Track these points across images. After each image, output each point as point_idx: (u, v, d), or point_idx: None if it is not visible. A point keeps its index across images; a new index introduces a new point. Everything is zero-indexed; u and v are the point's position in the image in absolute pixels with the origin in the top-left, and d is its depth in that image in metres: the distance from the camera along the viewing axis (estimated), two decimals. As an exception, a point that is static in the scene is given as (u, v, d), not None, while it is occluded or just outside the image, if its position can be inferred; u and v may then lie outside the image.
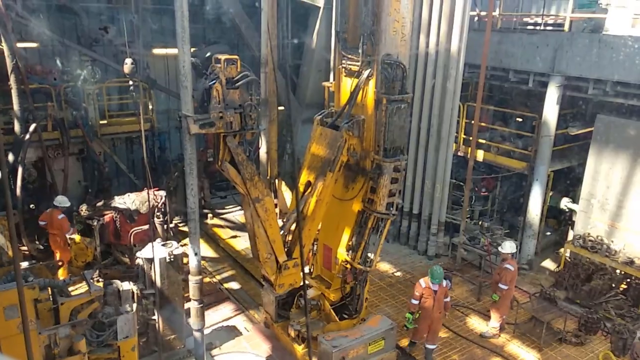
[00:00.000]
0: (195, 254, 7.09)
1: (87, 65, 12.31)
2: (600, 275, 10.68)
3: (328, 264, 8.90)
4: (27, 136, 11.10)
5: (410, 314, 8.64)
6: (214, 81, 6.65)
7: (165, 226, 12.24)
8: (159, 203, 11.87)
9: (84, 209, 11.31)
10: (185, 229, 13.49)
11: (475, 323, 10.09)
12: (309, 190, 7.99)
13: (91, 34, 13.41)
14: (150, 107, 13.38)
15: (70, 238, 10.65)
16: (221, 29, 15.47)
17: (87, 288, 6.95)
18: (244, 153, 7.08)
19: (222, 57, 6.76)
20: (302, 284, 7.71)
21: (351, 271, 8.44)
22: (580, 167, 12.31)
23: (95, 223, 11.03)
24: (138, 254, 8.62)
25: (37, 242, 11.69)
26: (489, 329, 9.74)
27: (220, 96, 6.65)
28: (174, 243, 8.64)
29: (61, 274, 9.95)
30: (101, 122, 12.81)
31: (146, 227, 11.44)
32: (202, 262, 11.89)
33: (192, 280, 7.23)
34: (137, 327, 7.23)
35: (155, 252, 8.10)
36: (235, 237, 13.43)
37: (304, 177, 8.22)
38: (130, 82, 11.18)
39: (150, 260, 8.25)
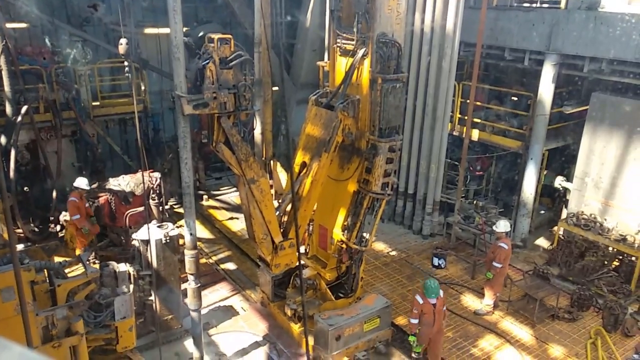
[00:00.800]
0: (190, 229, 7.08)
1: (78, 45, 12.12)
2: (593, 252, 10.81)
3: (324, 243, 8.94)
4: (19, 118, 10.99)
5: (414, 336, 8.01)
6: (207, 61, 6.55)
7: (160, 208, 12.23)
8: (154, 185, 11.82)
9: (78, 191, 11.27)
10: (181, 210, 13.56)
11: (470, 301, 10.22)
12: (304, 171, 7.98)
13: (81, 13, 13.18)
14: (143, 88, 13.23)
15: (70, 222, 10.55)
16: (213, 7, 15.25)
17: (84, 270, 6.97)
18: (239, 134, 7.02)
19: (215, 36, 6.65)
20: (298, 264, 7.76)
21: (347, 251, 8.49)
22: (575, 145, 12.34)
23: (90, 205, 10.99)
24: (134, 236, 8.63)
25: (32, 224, 11.68)
26: (482, 307, 9.86)
27: (213, 76, 6.57)
28: (170, 224, 8.64)
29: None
30: (94, 103, 12.70)
31: (141, 209, 11.41)
32: (198, 243, 11.98)
33: (188, 254, 7.16)
34: (134, 307, 7.28)
35: (151, 233, 8.11)
36: (231, 218, 13.44)
37: (299, 157, 8.18)
38: (126, 63, 11.04)
39: (146, 242, 8.27)
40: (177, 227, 12.69)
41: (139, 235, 8.44)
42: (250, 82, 6.91)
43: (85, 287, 6.94)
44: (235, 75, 6.73)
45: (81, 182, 10.43)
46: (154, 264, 8.29)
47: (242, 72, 6.82)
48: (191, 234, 6.94)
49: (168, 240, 8.37)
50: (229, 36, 6.77)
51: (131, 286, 7.54)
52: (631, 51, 9.77)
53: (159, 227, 8.52)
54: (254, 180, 7.30)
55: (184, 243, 8.19)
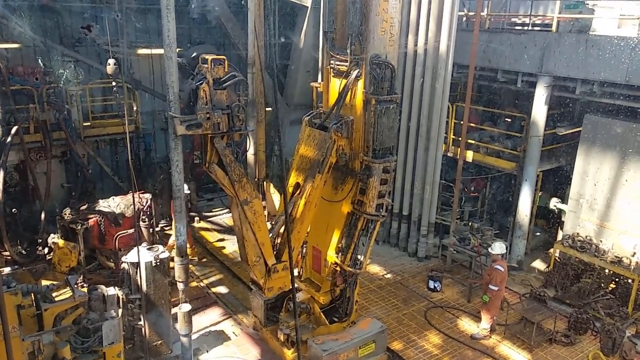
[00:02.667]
0: (180, 235, 7.01)
1: (70, 65, 12.07)
2: (589, 274, 10.72)
3: (317, 266, 8.79)
4: (9, 138, 10.86)
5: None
6: (201, 81, 6.53)
7: (151, 230, 12.05)
8: (144, 206, 11.67)
9: (67, 213, 11.07)
10: (172, 232, 13.38)
11: (466, 324, 10.05)
12: (297, 192, 7.89)
13: (74, 33, 13.17)
14: (135, 108, 13.17)
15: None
16: (207, 28, 15.29)
17: (71, 294, 6.79)
18: (232, 154, 6.97)
19: (209, 57, 6.66)
20: (291, 287, 7.60)
21: (341, 273, 8.35)
22: (568, 166, 12.35)
23: (79, 227, 10.79)
24: (123, 258, 8.45)
25: (19, 247, 11.44)
26: (479, 331, 9.70)
27: (207, 97, 6.54)
28: (160, 247, 8.48)
29: None
30: (85, 123, 12.60)
31: (131, 231, 11.24)
32: (190, 266, 11.77)
33: (178, 261, 7.12)
34: (122, 332, 7.08)
35: (141, 256, 7.94)
36: (222, 240, 13.25)
37: (293, 178, 8.14)
38: (114, 83, 11.00)
39: (136, 265, 8.09)
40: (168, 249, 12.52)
41: (129, 257, 8.25)
42: (244, 103, 6.91)
43: (73, 312, 6.76)
44: (229, 96, 6.71)
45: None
46: (144, 287, 8.09)
47: (236, 92, 6.81)
48: (182, 236, 6.90)
49: (158, 263, 8.18)
50: (223, 57, 6.77)
51: (120, 310, 7.35)
52: (621, 73, 9.87)
53: (149, 249, 8.35)
54: (247, 201, 7.21)
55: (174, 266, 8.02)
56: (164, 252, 8.38)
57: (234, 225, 7.84)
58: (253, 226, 7.40)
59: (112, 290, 7.37)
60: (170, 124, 6.49)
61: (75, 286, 7.11)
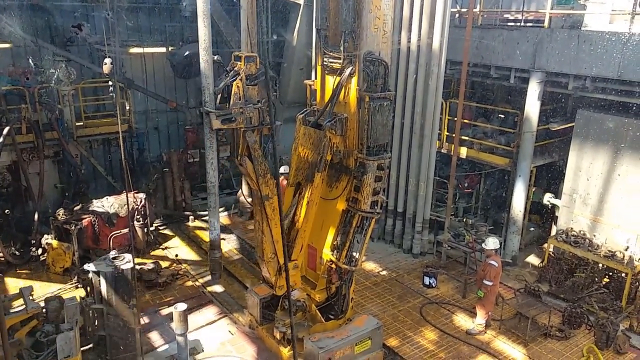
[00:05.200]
0: (215, 229, 7.76)
1: (62, 65, 11.99)
2: (582, 269, 10.78)
3: (313, 264, 8.78)
4: (1, 139, 10.79)
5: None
6: (234, 78, 6.87)
7: (145, 229, 12.02)
8: (138, 206, 11.64)
9: (61, 213, 11.03)
10: (167, 231, 13.36)
11: (462, 320, 10.09)
12: (300, 191, 7.99)
13: (65, 33, 13.08)
14: (128, 107, 13.10)
15: None
16: (200, 27, 15.22)
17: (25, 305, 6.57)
18: (260, 149, 7.30)
19: (242, 54, 7.00)
20: (286, 284, 7.62)
21: (336, 271, 8.34)
22: (561, 162, 12.40)
23: (73, 227, 10.76)
24: (86, 267, 8.12)
25: (12, 248, 11.37)
26: (475, 326, 9.73)
27: (241, 92, 6.84)
28: (127, 256, 8.03)
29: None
30: (77, 123, 12.53)
31: (125, 230, 11.20)
32: (185, 265, 11.75)
33: (211, 254, 7.83)
34: (80, 346, 6.82)
35: (104, 265, 7.69)
36: (218, 238, 13.20)
37: (293, 178, 8.25)
38: (110, 83, 10.95)
39: (99, 274, 7.78)
40: (163, 249, 12.50)
41: (91, 266, 7.95)
42: (274, 98, 7.30)
43: (28, 324, 6.52)
44: (259, 92, 7.02)
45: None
46: (105, 296, 7.74)
47: (266, 88, 7.15)
48: (215, 230, 7.24)
49: (119, 274, 7.77)
50: (255, 54, 7.23)
51: (80, 320, 7.06)
52: (613, 69, 9.90)
53: (114, 258, 7.96)
54: (268, 197, 7.47)
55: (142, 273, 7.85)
56: (129, 262, 7.92)
57: (254, 221, 8.10)
58: (270, 222, 7.61)
59: (70, 301, 7.09)
60: (205, 119, 6.92)
61: (30, 297, 6.84)
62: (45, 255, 11.05)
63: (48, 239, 11.00)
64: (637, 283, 10.21)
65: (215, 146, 7.46)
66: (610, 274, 10.63)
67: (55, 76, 11.89)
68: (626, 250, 10.34)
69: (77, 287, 10.42)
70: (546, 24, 11.40)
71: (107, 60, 7.57)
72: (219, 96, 7.35)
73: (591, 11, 11.56)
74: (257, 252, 8.29)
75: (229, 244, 12.89)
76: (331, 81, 7.84)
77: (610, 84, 10.26)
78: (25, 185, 11.82)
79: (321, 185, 7.87)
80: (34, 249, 11.40)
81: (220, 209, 14.65)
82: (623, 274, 10.27)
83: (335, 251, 8.20)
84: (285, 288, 8.07)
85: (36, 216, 11.52)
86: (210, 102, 7.02)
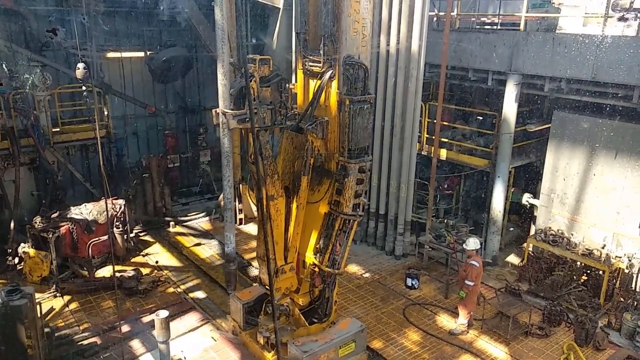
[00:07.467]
0: (230, 242, 8.12)
1: (37, 70, 11.77)
2: (561, 267, 10.96)
3: (296, 268, 8.75)
4: (-26, 146, 10.54)
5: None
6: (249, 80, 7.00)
7: (125, 236, 11.85)
8: (117, 212, 11.48)
9: (38, 221, 10.80)
10: (147, 237, 13.19)
11: (444, 321, 10.16)
12: (288, 195, 8.04)
13: (40, 37, 12.84)
14: (106, 112, 12.92)
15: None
16: (177, 31, 15.08)
17: None
18: (271, 150, 7.52)
19: (257, 57, 7.26)
20: (270, 289, 7.59)
21: (319, 274, 8.33)
22: (539, 162, 12.61)
23: (50, 235, 10.54)
24: None
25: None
26: (457, 326, 9.81)
27: (255, 93, 7.07)
28: (26, 290, 7.40)
29: None
30: (54, 129, 12.29)
31: (105, 238, 11.03)
32: (166, 271, 11.62)
33: (226, 267, 8.25)
34: None
35: None
36: (199, 244, 13.08)
37: (281, 182, 8.21)
38: (84, 88, 10.76)
39: None
40: (143, 255, 12.32)
41: None
42: (285, 99, 7.64)
43: None
44: (272, 93, 7.28)
45: None
46: None
47: (279, 90, 7.45)
48: (230, 248, 7.97)
49: (7, 310, 7.10)
50: (268, 57, 7.56)
51: None
52: (587, 70, 10.12)
53: (9, 292, 7.32)
54: (273, 197, 7.59)
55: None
56: (23, 296, 7.25)
57: (258, 220, 8.53)
58: (272, 223, 7.74)
59: None
60: (221, 119, 7.24)
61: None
62: (23, 264, 10.81)
63: (25, 248, 10.76)
64: (614, 280, 10.41)
65: (231, 147, 7.94)
66: (588, 272, 10.83)
67: (30, 81, 11.66)
68: (603, 248, 10.55)
69: (55, 297, 10.22)
70: (522, 27, 11.61)
71: (80, 65, 7.52)
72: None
73: (565, 14, 11.80)
74: (257, 253, 8.58)
75: (210, 250, 12.78)
76: (312, 85, 7.84)
77: (585, 86, 10.47)
78: (1, 192, 11.56)
79: (307, 188, 7.88)
80: (10, 258, 11.15)
81: (201, 214, 14.61)
82: (600, 272, 10.47)
83: (318, 254, 8.19)
84: (282, 290, 8.24)
85: (12, 224, 11.28)
86: (226, 103, 7.38)
